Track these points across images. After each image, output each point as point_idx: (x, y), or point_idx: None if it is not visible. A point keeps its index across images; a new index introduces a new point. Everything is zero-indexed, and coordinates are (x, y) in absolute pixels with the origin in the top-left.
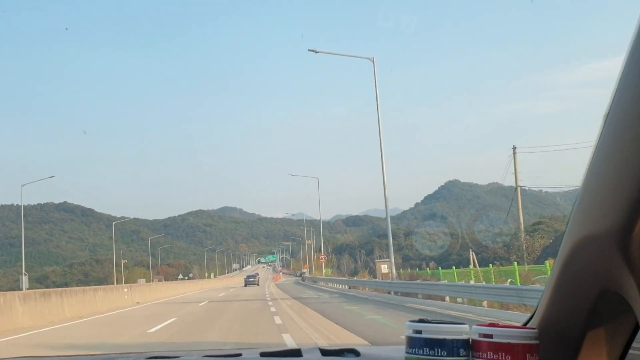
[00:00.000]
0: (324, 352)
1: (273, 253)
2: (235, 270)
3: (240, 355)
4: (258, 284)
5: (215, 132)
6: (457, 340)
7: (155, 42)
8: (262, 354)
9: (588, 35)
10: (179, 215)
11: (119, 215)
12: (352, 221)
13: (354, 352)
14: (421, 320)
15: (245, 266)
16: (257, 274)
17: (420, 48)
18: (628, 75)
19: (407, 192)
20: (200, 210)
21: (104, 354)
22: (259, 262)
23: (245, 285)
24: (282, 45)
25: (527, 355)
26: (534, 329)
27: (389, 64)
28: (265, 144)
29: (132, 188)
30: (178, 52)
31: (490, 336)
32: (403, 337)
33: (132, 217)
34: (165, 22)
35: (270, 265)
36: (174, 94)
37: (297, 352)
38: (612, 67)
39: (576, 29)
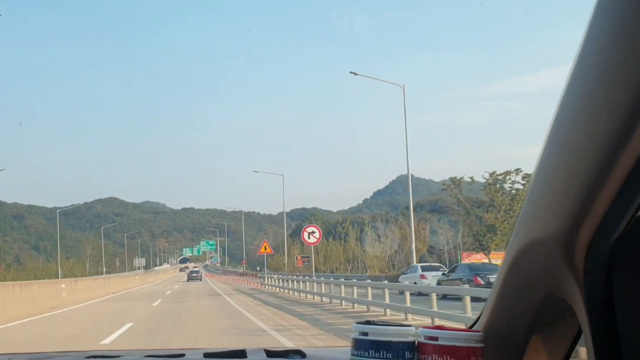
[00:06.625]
0: (269, 354)
1: (209, 239)
2: (138, 269)
3: (183, 355)
4: (200, 279)
5: (150, 122)
6: (403, 343)
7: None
8: (206, 355)
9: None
10: (85, 203)
11: (9, 202)
12: (298, 214)
13: (300, 353)
14: (367, 322)
15: (162, 264)
16: (198, 269)
17: (373, 50)
18: (574, 82)
19: (338, 193)
20: (112, 197)
21: (42, 353)
22: (182, 260)
23: (188, 280)
24: (216, 38)
25: (472, 358)
26: (479, 332)
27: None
28: (200, 139)
29: (33, 172)
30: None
31: (436, 339)
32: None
33: (26, 204)
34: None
35: (205, 263)
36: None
37: (241, 353)
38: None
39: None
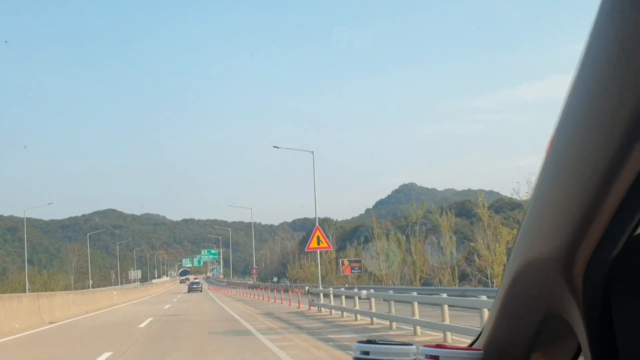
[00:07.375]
0: None
1: (211, 248)
2: (133, 281)
3: None
4: (201, 291)
5: (152, 135)
6: None
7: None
8: None
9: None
10: (83, 215)
11: (6, 214)
12: (300, 225)
13: None
14: (369, 341)
15: (161, 276)
16: (198, 281)
17: (369, 63)
18: (571, 101)
19: (339, 203)
20: (110, 209)
21: None
22: (183, 272)
23: (189, 292)
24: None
25: None
26: (480, 350)
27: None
28: (202, 149)
29: (36, 184)
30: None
31: (437, 357)
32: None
33: (22, 217)
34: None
35: (206, 275)
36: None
37: None
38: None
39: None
